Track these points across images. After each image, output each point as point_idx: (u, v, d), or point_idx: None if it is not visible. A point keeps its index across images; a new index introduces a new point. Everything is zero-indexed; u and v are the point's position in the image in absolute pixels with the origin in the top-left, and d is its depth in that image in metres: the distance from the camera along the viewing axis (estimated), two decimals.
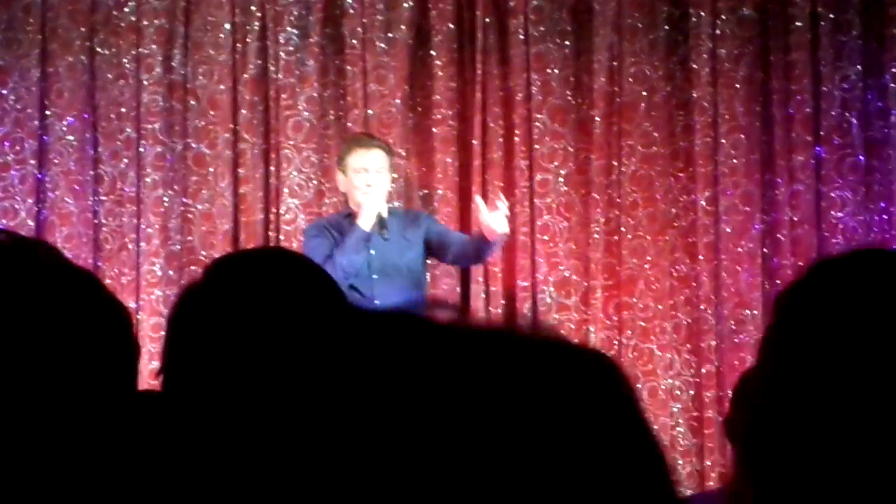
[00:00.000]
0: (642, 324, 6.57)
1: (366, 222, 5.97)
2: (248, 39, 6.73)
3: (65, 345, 1.32)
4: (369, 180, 6.01)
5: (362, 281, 5.94)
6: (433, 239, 6.13)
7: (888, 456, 1.32)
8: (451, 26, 6.69)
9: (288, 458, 0.90)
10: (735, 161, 6.56)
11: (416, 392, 0.88)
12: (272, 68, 6.72)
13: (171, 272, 6.68)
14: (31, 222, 6.68)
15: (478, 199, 6.17)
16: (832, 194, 6.54)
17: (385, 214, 6.03)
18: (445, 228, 6.31)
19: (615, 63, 6.63)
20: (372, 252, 5.99)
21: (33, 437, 1.29)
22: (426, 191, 6.76)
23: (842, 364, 1.35)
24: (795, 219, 6.55)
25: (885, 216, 6.52)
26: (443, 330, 0.92)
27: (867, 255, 1.46)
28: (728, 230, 6.55)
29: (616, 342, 6.59)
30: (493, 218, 5.86)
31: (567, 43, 6.67)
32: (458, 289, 6.68)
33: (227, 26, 6.72)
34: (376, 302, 5.84)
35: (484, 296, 6.63)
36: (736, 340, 6.49)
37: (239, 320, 1.87)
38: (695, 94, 6.59)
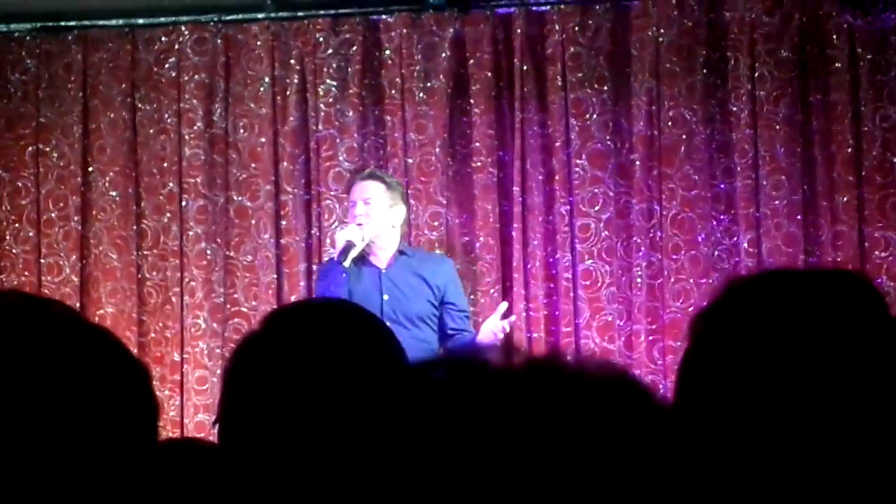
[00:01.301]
0: None
1: (336, 252, 5.86)
2: (287, 92, 6.78)
3: (82, 403, 1.31)
4: (359, 211, 5.88)
5: None
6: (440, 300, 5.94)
7: (807, 468, 1.36)
8: (489, 74, 6.71)
9: None
10: (777, 203, 6.54)
11: (474, 448, 0.88)
12: (312, 120, 6.77)
13: (214, 325, 6.70)
14: (75, 278, 6.72)
15: (503, 305, 5.93)
16: (875, 234, 6.51)
17: (359, 244, 5.81)
18: (452, 294, 5.98)
19: (654, 107, 6.64)
20: (385, 297, 5.88)
21: (52, 495, 1.28)
22: (467, 238, 6.77)
23: (753, 382, 1.39)
24: (839, 259, 6.52)
25: None
26: (496, 375, 0.92)
27: (774, 275, 1.51)
28: None
29: (661, 386, 6.55)
30: (498, 326, 5.73)
31: (605, 88, 6.69)
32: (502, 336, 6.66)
33: (267, 80, 6.77)
34: None
35: (527, 342, 6.62)
36: None
37: (296, 371, 1.87)
38: (734, 136, 6.59)
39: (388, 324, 5.76)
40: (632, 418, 0.89)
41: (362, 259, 5.91)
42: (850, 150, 6.53)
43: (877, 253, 6.50)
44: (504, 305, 5.92)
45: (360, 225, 5.84)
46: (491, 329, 5.74)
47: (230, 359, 1.98)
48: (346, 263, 5.76)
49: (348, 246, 5.79)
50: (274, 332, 1.94)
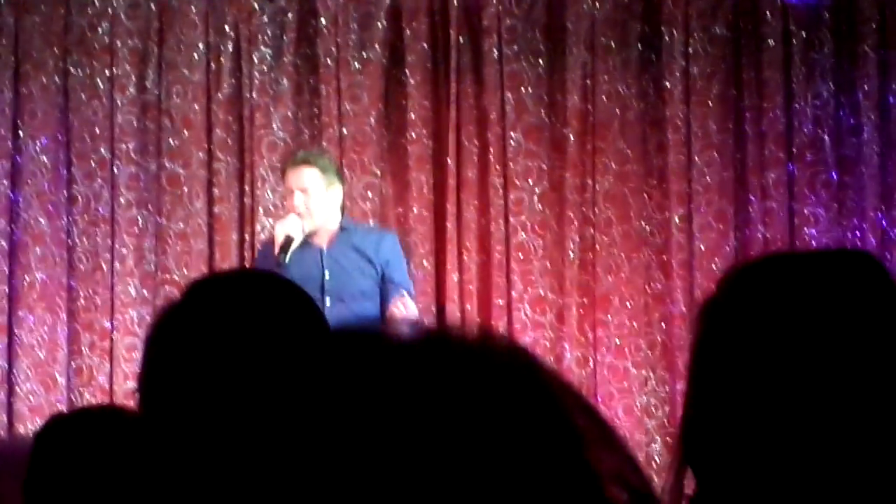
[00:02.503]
0: (617, 341, 6.58)
1: (276, 247, 5.75)
2: (221, 59, 6.73)
3: None
4: (297, 202, 5.83)
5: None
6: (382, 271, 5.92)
7: (819, 450, 1.36)
8: (425, 46, 6.70)
9: (263, 477, 0.91)
10: (708, 179, 6.59)
11: (377, 412, 0.88)
12: (246, 88, 6.72)
13: (145, 292, 6.67)
14: (4, 243, 6.66)
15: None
16: (805, 211, 6.57)
17: (298, 238, 5.76)
18: (393, 271, 5.95)
19: (588, 81, 6.66)
20: (327, 276, 5.84)
21: None
22: (401, 209, 6.76)
23: (767, 366, 1.39)
24: (769, 236, 6.58)
25: (857, 233, 6.55)
26: (393, 346, 0.92)
27: (780, 259, 1.50)
28: (702, 247, 6.57)
29: (591, 360, 6.60)
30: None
31: (540, 62, 6.69)
32: (434, 308, 6.68)
33: (201, 46, 6.72)
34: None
35: (459, 314, 6.63)
36: None
37: (217, 341, 1.87)
38: (668, 112, 6.62)
39: (330, 301, 5.70)
40: (515, 395, 0.90)
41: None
42: (781, 127, 6.58)
43: (806, 229, 6.56)
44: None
45: (299, 215, 5.81)
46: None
47: (150, 328, 1.98)
48: (287, 259, 5.70)
49: (287, 241, 5.74)
50: (195, 302, 1.93)
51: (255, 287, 1.97)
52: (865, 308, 1.41)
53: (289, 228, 5.78)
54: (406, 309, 5.69)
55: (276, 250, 5.74)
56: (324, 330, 1.95)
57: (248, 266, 6.42)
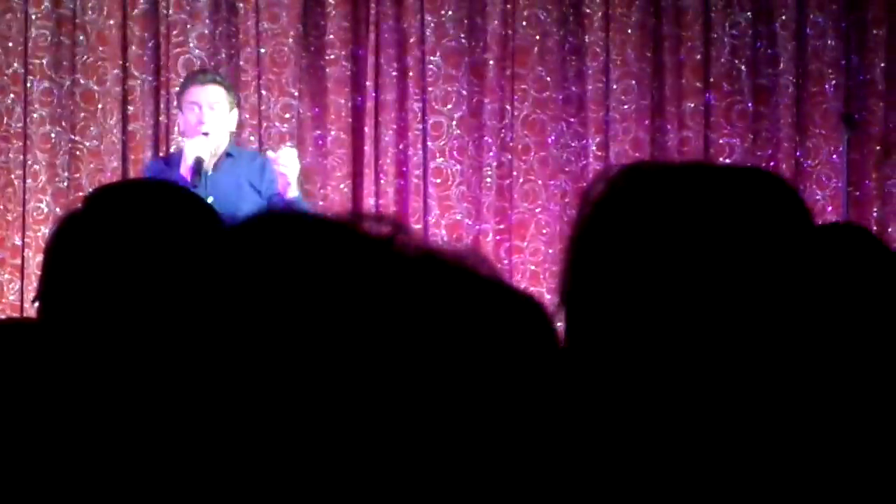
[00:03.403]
0: (532, 268, 6.61)
1: (184, 167, 5.57)
2: None
3: None
4: (201, 117, 5.66)
5: None
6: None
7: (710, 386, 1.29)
8: None
9: (162, 386, 0.90)
10: (626, 107, 6.61)
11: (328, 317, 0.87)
12: (163, 4, 6.63)
13: (57, 209, 6.58)
14: None
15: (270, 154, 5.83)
16: (720, 141, 6.62)
17: (206, 158, 5.59)
18: (272, 184, 5.74)
19: (509, 6, 6.63)
20: (210, 200, 5.69)
21: None
22: (319, 132, 6.72)
23: (654, 273, 1.30)
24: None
25: (772, 163, 6.61)
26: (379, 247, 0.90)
27: (686, 168, 1.38)
28: None
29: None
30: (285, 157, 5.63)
31: None
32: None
33: None
34: None
35: None
36: None
37: (117, 248, 1.86)
38: (587, 39, 6.62)
39: None
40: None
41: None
42: (698, 56, 6.61)
43: (721, 159, 6.60)
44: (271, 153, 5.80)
45: (206, 134, 5.63)
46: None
47: (50, 236, 1.96)
48: (202, 181, 5.51)
49: (199, 162, 5.56)
50: (94, 210, 1.92)
51: (153, 194, 1.96)
52: (772, 227, 1.32)
53: (198, 149, 5.60)
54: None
55: (188, 172, 5.56)
56: (220, 233, 1.94)
57: None
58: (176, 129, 6.56)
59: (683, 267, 1.29)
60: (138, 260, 1.83)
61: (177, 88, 6.55)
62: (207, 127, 5.65)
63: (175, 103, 6.56)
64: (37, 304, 1.99)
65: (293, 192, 5.64)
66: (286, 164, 5.62)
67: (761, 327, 1.28)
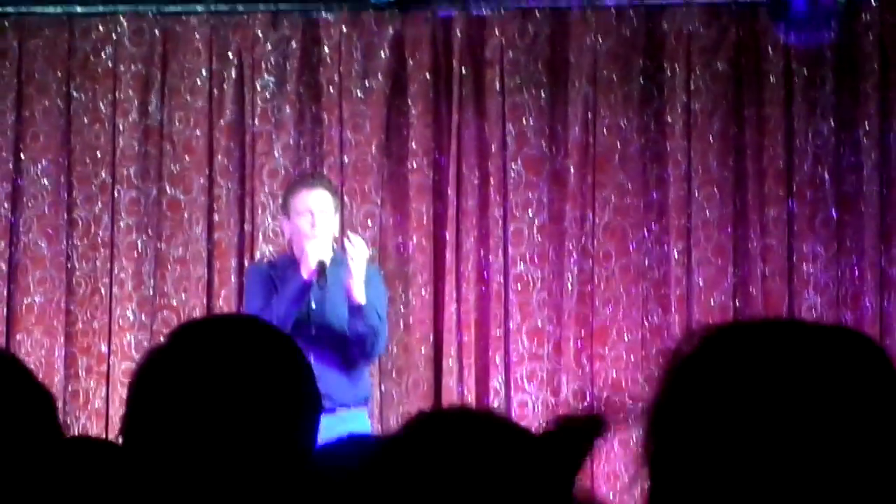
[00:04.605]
0: (614, 374, 6.58)
1: (307, 271, 5.65)
2: (224, 86, 6.75)
3: None
4: (315, 222, 5.75)
5: (301, 334, 5.43)
6: None
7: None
8: (428, 76, 6.72)
9: None
10: (708, 214, 6.59)
11: None
12: (248, 115, 6.74)
13: (143, 317, 6.67)
14: (3, 266, 6.67)
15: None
16: (804, 248, 6.57)
17: (328, 262, 5.68)
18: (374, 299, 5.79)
19: (590, 115, 6.66)
20: (312, 305, 5.71)
21: None
22: (400, 239, 6.77)
23: (739, 444, 1.29)
24: (767, 272, 6.58)
25: (856, 271, 6.54)
26: None
27: (769, 326, 1.37)
28: (700, 283, 6.57)
29: (588, 393, 6.59)
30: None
31: (542, 94, 6.70)
32: (432, 337, 6.68)
33: (204, 72, 6.74)
34: (311, 358, 5.46)
35: (457, 345, 6.63)
36: None
37: (199, 388, 1.88)
38: (668, 147, 6.63)
39: (314, 329, 5.60)
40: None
41: (292, 263, 5.81)
42: (781, 164, 6.58)
43: (804, 267, 6.56)
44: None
45: (322, 238, 5.71)
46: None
47: (134, 372, 1.98)
48: (325, 283, 5.62)
49: (322, 265, 5.63)
50: (179, 346, 1.94)
51: (240, 333, 1.98)
52: (861, 391, 1.29)
53: (320, 252, 5.66)
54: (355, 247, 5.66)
55: (312, 275, 5.61)
56: (303, 375, 1.96)
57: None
58: (261, 236, 6.64)
59: (771, 432, 1.28)
60: (220, 401, 1.85)
61: (261, 196, 6.64)
62: (321, 230, 5.71)
63: (261, 212, 6.66)
64: (121, 439, 2.01)
65: (358, 290, 5.67)
66: (353, 255, 5.68)
67: (856, 498, 1.26)
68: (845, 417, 1.28)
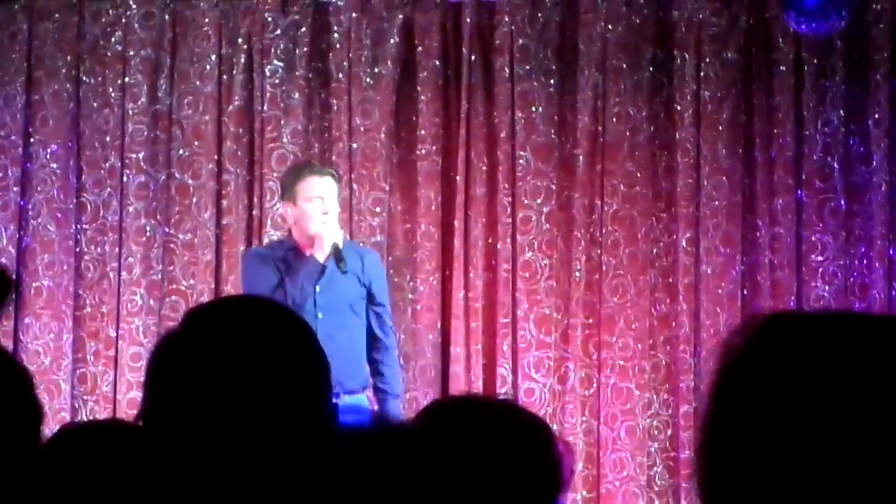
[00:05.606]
0: (621, 363, 6.58)
1: (321, 254, 5.73)
2: (234, 71, 6.75)
3: None
4: (325, 208, 5.80)
5: (305, 316, 5.45)
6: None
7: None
8: (437, 63, 6.71)
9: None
10: (716, 203, 6.59)
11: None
12: (257, 100, 6.74)
13: (151, 301, 6.68)
14: (12, 249, 6.68)
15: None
16: (812, 238, 6.57)
17: (341, 246, 5.77)
18: (377, 290, 5.92)
19: (599, 103, 6.66)
20: (317, 288, 5.76)
21: None
22: (409, 225, 6.77)
23: (791, 420, 1.23)
24: (775, 262, 6.58)
25: (864, 261, 6.54)
26: None
27: (832, 318, 1.29)
28: (708, 271, 6.57)
29: (595, 380, 6.60)
30: None
31: (552, 82, 6.70)
32: (439, 324, 6.68)
33: (214, 58, 6.74)
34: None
35: (464, 332, 6.63)
36: None
37: (216, 370, 1.89)
38: (678, 136, 6.62)
39: (322, 314, 5.68)
40: None
41: (294, 250, 5.84)
42: (790, 153, 6.58)
43: (813, 256, 6.55)
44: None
45: (333, 223, 5.78)
46: None
47: (150, 358, 1.99)
48: (344, 266, 5.69)
49: (337, 248, 5.71)
50: (193, 331, 1.95)
51: (253, 314, 1.99)
52: None
53: (335, 236, 5.75)
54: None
55: (335, 263, 5.69)
56: (319, 356, 1.97)
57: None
58: (269, 221, 6.64)
59: (832, 426, 1.22)
60: (237, 383, 1.86)
61: (270, 182, 6.64)
62: (332, 217, 5.77)
63: (269, 197, 6.65)
64: (140, 423, 2.02)
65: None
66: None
67: None
68: None
